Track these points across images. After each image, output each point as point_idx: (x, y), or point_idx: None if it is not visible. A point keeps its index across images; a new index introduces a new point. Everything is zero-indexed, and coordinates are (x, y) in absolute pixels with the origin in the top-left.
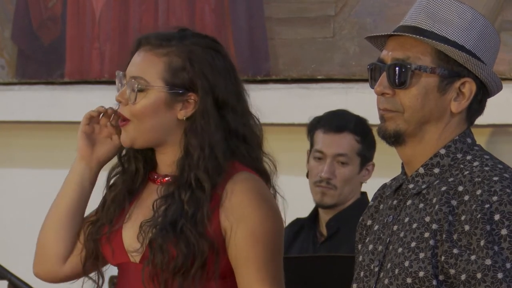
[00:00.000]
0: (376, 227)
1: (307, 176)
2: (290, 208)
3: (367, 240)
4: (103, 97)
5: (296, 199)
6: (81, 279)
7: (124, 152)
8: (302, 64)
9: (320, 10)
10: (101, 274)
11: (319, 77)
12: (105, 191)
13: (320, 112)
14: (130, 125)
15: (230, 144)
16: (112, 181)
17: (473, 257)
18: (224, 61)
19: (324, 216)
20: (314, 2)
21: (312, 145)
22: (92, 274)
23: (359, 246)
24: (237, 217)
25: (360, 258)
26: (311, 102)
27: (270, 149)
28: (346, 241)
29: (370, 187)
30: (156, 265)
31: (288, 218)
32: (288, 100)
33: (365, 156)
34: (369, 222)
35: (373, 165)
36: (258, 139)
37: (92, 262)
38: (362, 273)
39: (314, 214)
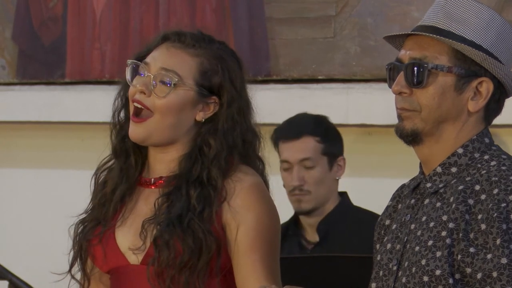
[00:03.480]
0: (394, 226)
1: (284, 186)
2: (290, 207)
3: (385, 240)
4: (104, 97)
5: None
6: (66, 281)
7: (121, 146)
8: (302, 64)
9: (321, 10)
10: (86, 276)
11: (319, 77)
12: (97, 188)
13: (320, 112)
14: (151, 120)
15: (245, 149)
16: (103, 177)
17: (489, 256)
18: (241, 72)
19: (308, 222)
20: (315, 2)
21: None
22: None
23: (377, 246)
24: (240, 214)
25: (379, 257)
26: (312, 102)
27: (270, 149)
28: (338, 245)
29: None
30: (162, 262)
31: (288, 217)
32: (288, 100)
33: (332, 153)
34: (387, 222)
35: (344, 159)
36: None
37: (79, 263)
38: (381, 272)
39: (294, 221)
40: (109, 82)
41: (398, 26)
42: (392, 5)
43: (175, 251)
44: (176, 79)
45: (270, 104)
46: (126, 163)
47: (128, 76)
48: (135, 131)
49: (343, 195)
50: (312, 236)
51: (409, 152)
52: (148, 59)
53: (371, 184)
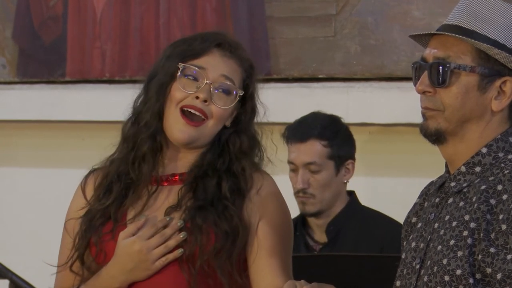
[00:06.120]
0: (419, 225)
1: None
2: (290, 207)
3: (410, 238)
4: (104, 96)
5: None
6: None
7: (150, 145)
8: (303, 63)
9: (321, 9)
10: (89, 269)
11: (320, 76)
12: (106, 184)
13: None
14: (206, 125)
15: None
16: (110, 173)
17: (509, 257)
18: None
19: (316, 223)
20: (315, 1)
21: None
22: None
23: (404, 243)
24: (263, 210)
25: (403, 256)
26: (312, 101)
27: (271, 148)
28: (347, 245)
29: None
30: (193, 247)
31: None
32: (289, 99)
33: (340, 157)
34: (414, 220)
35: (353, 162)
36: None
37: (80, 256)
38: (405, 270)
39: (301, 221)
40: (110, 81)
41: (399, 25)
42: (393, 4)
43: (208, 237)
44: (236, 90)
45: (271, 103)
46: (154, 161)
47: (179, 79)
48: (188, 133)
49: (352, 194)
50: (320, 236)
51: (409, 151)
52: (204, 64)
53: (371, 183)
